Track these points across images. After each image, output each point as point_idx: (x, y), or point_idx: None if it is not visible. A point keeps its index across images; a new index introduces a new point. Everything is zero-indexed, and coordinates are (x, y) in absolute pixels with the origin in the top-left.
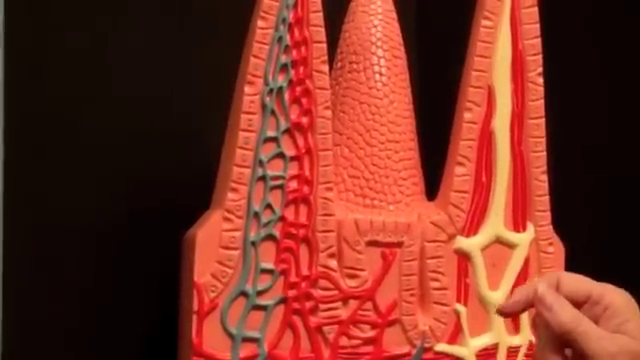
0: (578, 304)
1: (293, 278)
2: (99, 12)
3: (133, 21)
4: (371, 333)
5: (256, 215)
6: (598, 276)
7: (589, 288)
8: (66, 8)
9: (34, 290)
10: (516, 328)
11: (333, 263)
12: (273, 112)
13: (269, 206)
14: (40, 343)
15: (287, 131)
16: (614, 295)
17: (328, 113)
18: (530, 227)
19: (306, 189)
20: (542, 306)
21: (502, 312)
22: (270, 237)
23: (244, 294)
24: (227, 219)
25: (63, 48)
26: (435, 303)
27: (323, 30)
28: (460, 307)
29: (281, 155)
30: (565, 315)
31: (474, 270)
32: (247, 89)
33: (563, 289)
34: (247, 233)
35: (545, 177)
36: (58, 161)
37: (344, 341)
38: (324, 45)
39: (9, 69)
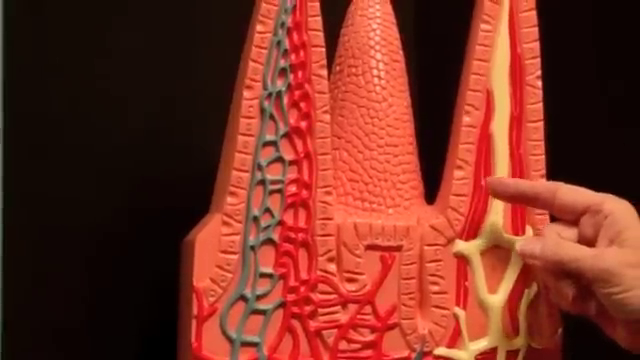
0: (577, 214)
1: (292, 282)
2: (99, 14)
3: (133, 24)
4: (370, 337)
5: (255, 219)
6: None
7: (587, 199)
8: (66, 8)
9: (32, 293)
10: (515, 332)
11: (332, 267)
12: (272, 116)
13: (268, 210)
14: (38, 347)
15: (286, 135)
16: (614, 204)
17: (327, 117)
18: (529, 230)
19: (305, 193)
20: (527, 258)
21: (489, 184)
22: (269, 241)
23: (243, 298)
24: (226, 223)
25: (62, 48)
26: (434, 307)
27: (322, 34)
28: (459, 311)
29: (280, 159)
30: (549, 254)
31: (473, 274)
32: (246, 93)
33: (560, 199)
34: (246, 237)
35: (544, 180)
36: (55, 163)
37: (343, 345)
38: (323, 49)
39: (8, 68)
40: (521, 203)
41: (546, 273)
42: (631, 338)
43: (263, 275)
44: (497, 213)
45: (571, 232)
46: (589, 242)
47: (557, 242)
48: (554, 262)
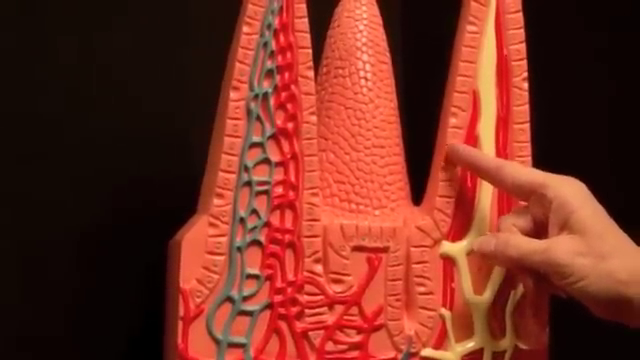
0: (524, 195)
1: (279, 283)
2: (87, 14)
3: (120, 25)
4: (357, 338)
5: (242, 220)
6: None
7: (530, 179)
8: (54, 9)
9: (18, 293)
10: (502, 333)
11: (319, 268)
12: (258, 117)
13: (255, 211)
14: (24, 347)
15: (272, 136)
16: (560, 186)
17: (313, 118)
18: None
19: (292, 194)
20: (488, 258)
21: (448, 147)
22: (256, 242)
23: (230, 299)
24: (213, 224)
25: (52, 49)
26: (421, 308)
27: (308, 36)
28: (445, 312)
29: (267, 160)
30: (500, 252)
31: (459, 275)
32: (232, 94)
33: (505, 176)
34: (233, 238)
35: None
36: (41, 162)
37: (330, 346)
38: (309, 51)
39: None
40: (473, 173)
41: (507, 266)
42: (603, 311)
43: (250, 276)
44: (483, 214)
45: (524, 219)
46: (543, 226)
47: (506, 239)
48: (506, 260)
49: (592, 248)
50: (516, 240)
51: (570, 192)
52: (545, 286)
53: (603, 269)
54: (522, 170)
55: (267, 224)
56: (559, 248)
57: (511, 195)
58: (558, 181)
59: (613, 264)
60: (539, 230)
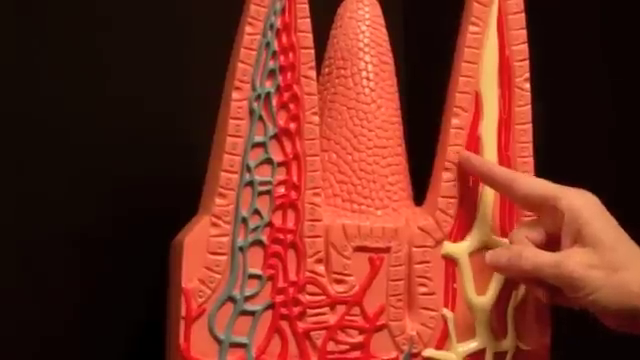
0: (535, 207)
1: (281, 283)
2: (88, 14)
3: (122, 24)
4: (359, 338)
5: (244, 220)
6: None
7: (543, 191)
8: (52, 9)
9: (19, 294)
10: (503, 333)
11: (321, 268)
12: (261, 118)
13: (257, 211)
14: (25, 348)
15: (275, 137)
16: (571, 198)
17: (316, 119)
18: None
19: (294, 194)
20: (501, 271)
21: (461, 157)
22: (258, 242)
23: (232, 299)
24: (215, 224)
25: (50, 48)
26: (423, 308)
27: (311, 36)
28: (447, 312)
29: (269, 160)
30: (513, 265)
31: (461, 275)
32: (235, 95)
33: (517, 189)
34: (235, 238)
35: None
36: (43, 163)
37: (332, 346)
38: (312, 51)
39: None
40: (485, 184)
41: (520, 279)
42: (615, 322)
43: (252, 276)
44: (485, 215)
45: (537, 232)
46: (555, 238)
47: (519, 252)
48: (519, 272)
49: (604, 260)
50: (529, 252)
51: (582, 204)
52: (557, 298)
53: (616, 281)
54: (534, 182)
55: (269, 224)
56: (572, 261)
57: (521, 207)
58: (570, 193)
59: (626, 276)
60: (551, 242)
